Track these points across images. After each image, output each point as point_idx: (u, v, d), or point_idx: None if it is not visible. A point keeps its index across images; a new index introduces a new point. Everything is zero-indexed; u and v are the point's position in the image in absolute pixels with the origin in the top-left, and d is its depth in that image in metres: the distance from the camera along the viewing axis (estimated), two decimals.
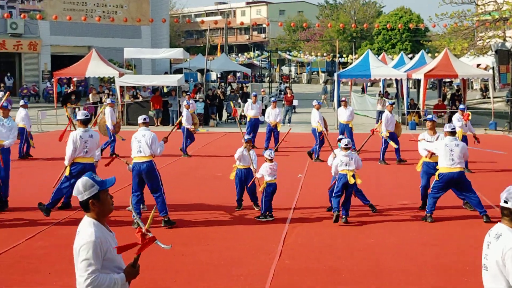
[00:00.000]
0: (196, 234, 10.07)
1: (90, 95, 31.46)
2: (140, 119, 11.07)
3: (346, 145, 10.83)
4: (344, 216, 10.74)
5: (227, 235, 10.01)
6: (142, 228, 4.14)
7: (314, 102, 18.66)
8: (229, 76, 56.93)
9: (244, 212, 11.57)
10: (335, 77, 29.39)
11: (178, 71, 46.12)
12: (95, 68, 30.69)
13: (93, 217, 4.18)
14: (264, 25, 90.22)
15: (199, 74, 52.07)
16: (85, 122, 10.79)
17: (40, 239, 9.76)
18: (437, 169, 11.05)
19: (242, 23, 55.42)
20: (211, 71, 47.70)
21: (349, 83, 34.67)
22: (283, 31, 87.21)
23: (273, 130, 19.93)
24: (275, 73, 66.46)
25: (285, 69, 73.39)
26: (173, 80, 29.47)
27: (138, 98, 31.38)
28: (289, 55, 68.67)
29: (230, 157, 18.23)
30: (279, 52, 71.94)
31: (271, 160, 11.09)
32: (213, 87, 38.75)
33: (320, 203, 12.25)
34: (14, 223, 10.66)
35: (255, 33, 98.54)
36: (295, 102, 31.89)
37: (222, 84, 48.07)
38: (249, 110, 21.01)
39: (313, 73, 74.71)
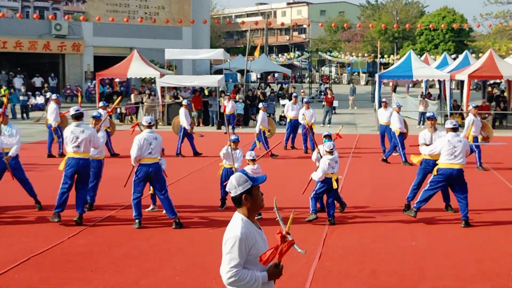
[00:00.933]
0: None
1: (132, 95, 31.89)
2: (145, 122, 10.86)
3: (331, 149, 10.70)
4: (331, 218, 10.68)
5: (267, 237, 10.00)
6: (283, 230, 4.14)
7: (394, 105, 18.71)
8: (268, 77, 56.97)
9: (287, 214, 11.55)
10: (376, 78, 29.13)
11: (218, 71, 46.42)
12: (137, 68, 31.07)
13: (244, 213, 4.29)
14: (304, 26, 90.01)
15: (239, 75, 52.26)
16: (77, 117, 10.79)
17: (82, 237, 9.92)
18: (437, 164, 10.89)
19: (282, 24, 55.36)
20: (251, 71, 47.79)
21: (390, 84, 34.30)
22: (323, 32, 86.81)
23: (307, 131, 19.61)
24: (315, 73, 66.25)
25: (325, 70, 73.09)
26: (213, 80, 29.65)
27: (179, 98, 31.64)
28: (329, 55, 68.36)
29: (268, 158, 18.19)
30: (319, 52, 71.65)
31: (253, 162, 10.87)
32: (253, 88, 38.84)
33: (361, 204, 12.16)
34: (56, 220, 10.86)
35: (295, 33, 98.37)
36: (335, 103, 31.73)
37: (262, 84, 48.12)
38: (289, 111, 21.05)
39: (354, 74, 74.20)
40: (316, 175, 10.79)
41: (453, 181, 10.69)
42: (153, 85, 36.75)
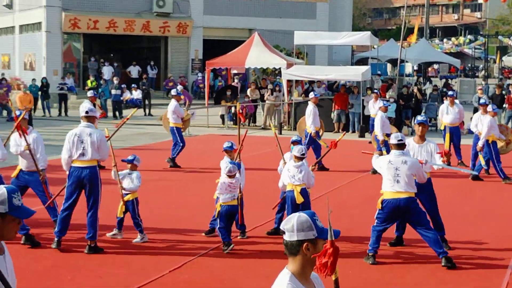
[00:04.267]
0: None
1: (249, 91, 32.24)
2: (82, 111, 11.44)
3: (302, 154, 11.22)
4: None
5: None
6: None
7: None
8: (429, 69, 56.04)
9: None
10: None
11: (362, 61, 46.15)
12: (257, 56, 31.54)
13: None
14: (480, 1, 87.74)
15: (389, 66, 51.77)
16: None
17: (186, 271, 10.22)
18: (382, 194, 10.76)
19: None
20: (406, 61, 47.15)
21: None
22: (506, 9, 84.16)
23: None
24: (493, 65, 64.37)
25: (507, 61, 70.78)
26: (356, 73, 29.53)
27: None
28: None
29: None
30: (500, 37, 69.49)
31: (230, 176, 11.23)
32: (409, 83, 38.32)
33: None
34: (160, 248, 11.27)
35: (467, 11, 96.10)
36: None
37: (420, 79, 47.41)
38: (444, 114, 20.44)
39: None
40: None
41: (403, 214, 10.67)
42: (277, 77, 37.13)
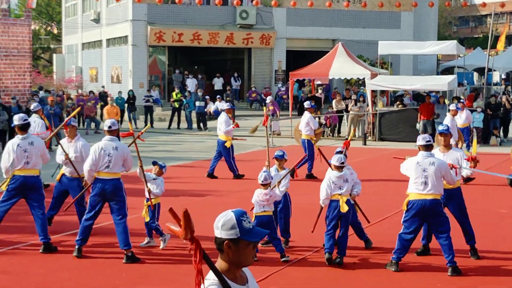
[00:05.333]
0: None
1: (334, 102, 32.29)
2: (106, 126, 11.73)
3: (341, 163, 11.04)
4: (340, 257, 10.92)
5: None
6: None
7: None
8: None
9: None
10: None
11: (448, 70, 45.51)
12: (341, 67, 31.47)
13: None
14: None
15: (476, 75, 50.86)
16: (22, 128, 11.73)
17: (273, 282, 10.24)
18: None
19: None
20: (494, 70, 46.26)
21: None
22: None
23: None
24: None
25: None
26: (442, 82, 29.22)
27: (404, 105, 31.59)
28: None
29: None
30: None
31: (264, 185, 11.14)
32: (497, 92, 37.54)
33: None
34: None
35: None
36: None
37: (508, 88, 46.38)
38: None
39: None
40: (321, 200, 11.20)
41: (428, 215, 10.58)
42: (361, 88, 36.96)
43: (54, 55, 61.07)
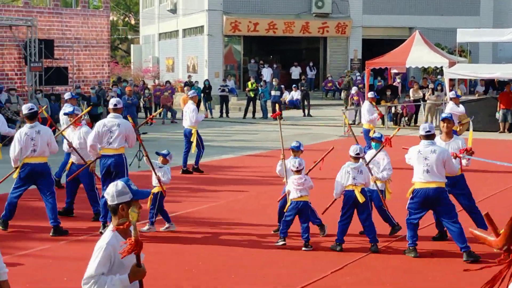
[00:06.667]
0: None
1: (411, 91, 31.96)
2: (111, 104, 12.49)
3: (357, 154, 11.17)
4: (373, 245, 11.04)
5: None
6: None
7: None
8: None
9: None
10: None
11: None
12: (418, 55, 31.11)
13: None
14: None
15: None
16: (30, 117, 12.11)
17: (349, 272, 10.18)
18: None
19: None
20: None
21: None
22: None
23: None
24: None
25: None
26: None
27: (475, 94, 31.08)
28: None
29: None
30: None
31: (298, 171, 11.32)
32: None
33: None
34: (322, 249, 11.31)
35: None
36: None
37: None
38: None
39: None
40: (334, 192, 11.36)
41: (432, 204, 10.68)
42: (439, 76, 36.42)
43: (132, 46, 61.91)
